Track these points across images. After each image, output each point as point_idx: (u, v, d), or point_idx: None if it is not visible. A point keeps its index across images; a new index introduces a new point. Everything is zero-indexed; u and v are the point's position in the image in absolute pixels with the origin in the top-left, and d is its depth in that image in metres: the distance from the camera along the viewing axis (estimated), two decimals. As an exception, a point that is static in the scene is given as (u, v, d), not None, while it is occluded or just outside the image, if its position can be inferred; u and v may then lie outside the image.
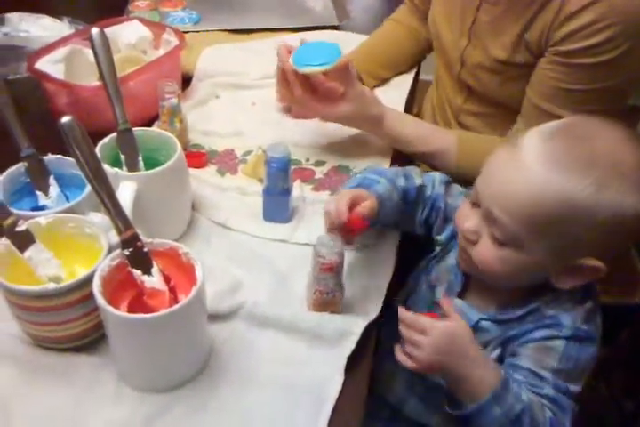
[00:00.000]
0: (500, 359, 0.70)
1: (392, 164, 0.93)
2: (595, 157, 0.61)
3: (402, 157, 0.96)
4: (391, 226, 0.81)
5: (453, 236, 0.78)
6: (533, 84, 0.85)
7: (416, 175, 0.79)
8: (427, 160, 0.94)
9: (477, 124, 0.98)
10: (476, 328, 0.71)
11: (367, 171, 0.79)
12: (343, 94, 0.85)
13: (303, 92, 0.85)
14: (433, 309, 0.76)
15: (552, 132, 0.64)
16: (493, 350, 0.70)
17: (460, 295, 0.75)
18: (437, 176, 0.79)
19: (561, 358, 0.66)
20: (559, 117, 0.82)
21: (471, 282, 0.74)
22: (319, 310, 0.70)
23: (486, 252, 0.66)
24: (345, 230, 0.68)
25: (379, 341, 0.83)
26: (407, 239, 0.83)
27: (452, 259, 0.77)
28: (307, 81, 0.85)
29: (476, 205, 0.68)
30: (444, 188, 0.78)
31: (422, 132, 0.92)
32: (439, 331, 0.63)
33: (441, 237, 0.79)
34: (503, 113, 0.93)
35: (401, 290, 0.85)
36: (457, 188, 0.80)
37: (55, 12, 1.12)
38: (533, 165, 0.62)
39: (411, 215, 0.79)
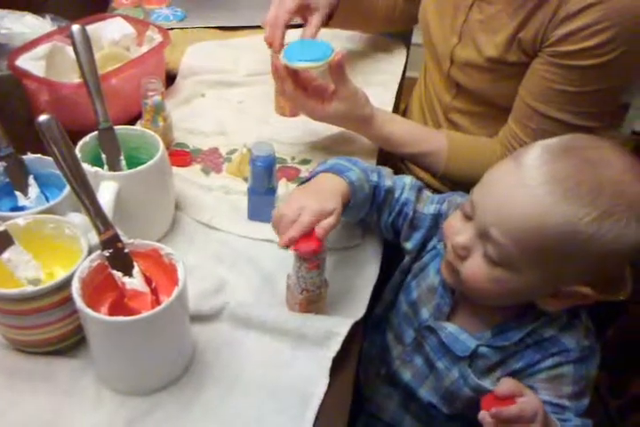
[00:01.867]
0: None
1: (378, 161, 0.93)
2: (601, 184, 0.58)
3: (388, 155, 0.95)
4: (355, 221, 0.78)
5: (423, 245, 0.76)
6: (526, 84, 0.84)
7: (387, 176, 0.76)
8: (415, 160, 0.93)
9: (466, 122, 0.97)
10: (474, 355, 0.70)
11: (339, 158, 0.76)
12: (334, 93, 0.84)
13: (294, 88, 0.84)
14: (419, 336, 0.75)
15: (559, 152, 0.62)
16: (498, 381, 0.67)
17: (448, 317, 0.73)
18: (408, 181, 0.76)
19: (573, 381, 0.66)
20: (551, 118, 0.82)
21: (459, 302, 0.73)
22: (306, 311, 0.69)
23: (477, 270, 0.64)
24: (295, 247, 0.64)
25: (363, 358, 0.81)
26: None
27: (432, 278, 0.74)
28: (297, 77, 0.84)
29: (469, 218, 0.65)
30: (414, 194, 0.75)
31: (412, 134, 0.91)
32: (540, 413, 0.60)
33: (409, 245, 0.76)
34: (493, 112, 0.92)
35: (377, 303, 0.83)
36: (427, 194, 0.77)
37: (38, 10, 1.10)
38: (538, 186, 0.59)
39: (376, 216, 0.76)
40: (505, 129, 0.89)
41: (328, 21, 1.01)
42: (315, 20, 0.95)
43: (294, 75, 0.84)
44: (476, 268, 0.64)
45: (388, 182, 0.75)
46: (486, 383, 0.70)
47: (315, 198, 0.67)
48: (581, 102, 0.81)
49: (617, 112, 0.89)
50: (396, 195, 0.75)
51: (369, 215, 0.76)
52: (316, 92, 0.85)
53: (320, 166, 0.75)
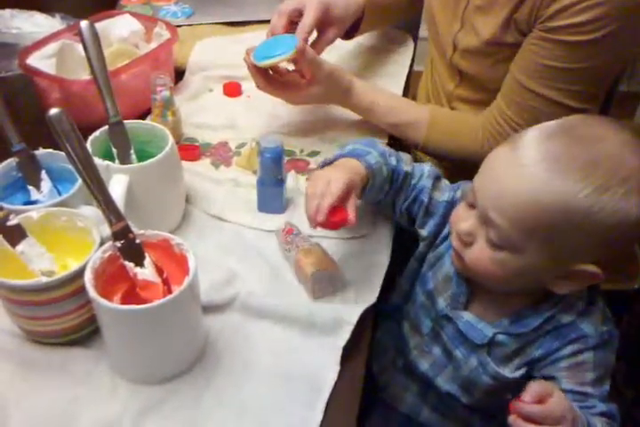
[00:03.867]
0: (528, 378, 0.68)
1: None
2: (595, 158, 0.58)
3: (396, 148, 0.95)
4: (373, 202, 0.79)
5: (438, 233, 0.76)
6: (517, 60, 0.85)
7: (405, 161, 0.77)
8: (397, 132, 0.93)
9: (469, 110, 0.97)
10: (492, 343, 0.70)
11: (357, 142, 0.77)
12: (312, 78, 0.86)
13: (266, 83, 0.88)
14: (437, 318, 0.75)
15: (553, 131, 0.62)
16: (518, 369, 0.69)
17: (465, 306, 0.73)
18: (427, 168, 0.77)
19: (595, 367, 0.66)
20: (538, 95, 0.83)
21: (475, 291, 0.72)
22: (312, 267, 0.69)
23: (481, 254, 0.64)
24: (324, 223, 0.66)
25: (377, 347, 0.81)
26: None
27: (448, 268, 0.74)
28: (268, 73, 0.88)
29: (472, 206, 0.66)
30: (431, 182, 0.75)
31: (394, 103, 0.92)
32: (569, 417, 0.59)
33: (424, 232, 0.77)
34: (494, 99, 0.92)
35: (394, 292, 0.83)
36: (445, 183, 0.78)
37: (47, 9, 1.12)
38: (531, 164, 0.59)
39: (391, 200, 0.78)
40: (492, 105, 0.90)
41: (353, 34, 1.02)
42: (329, 34, 0.94)
43: (265, 72, 0.87)
44: (479, 252, 0.65)
45: (406, 167, 0.76)
46: (505, 371, 0.69)
47: (339, 171, 0.69)
48: (568, 79, 0.81)
49: (625, 101, 0.88)
50: (414, 181, 0.76)
51: (386, 199, 0.77)
52: (291, 82, 0.88)
53: (339, 151, 0.76)
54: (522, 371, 0.69)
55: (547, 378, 0.67)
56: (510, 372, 0.69)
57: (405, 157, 0.78)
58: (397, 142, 0.95)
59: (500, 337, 0.69)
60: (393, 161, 0.75)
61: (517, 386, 0.63)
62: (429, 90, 1.08)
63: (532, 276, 0.64)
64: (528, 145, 0.61)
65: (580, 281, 0.63)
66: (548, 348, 0.67)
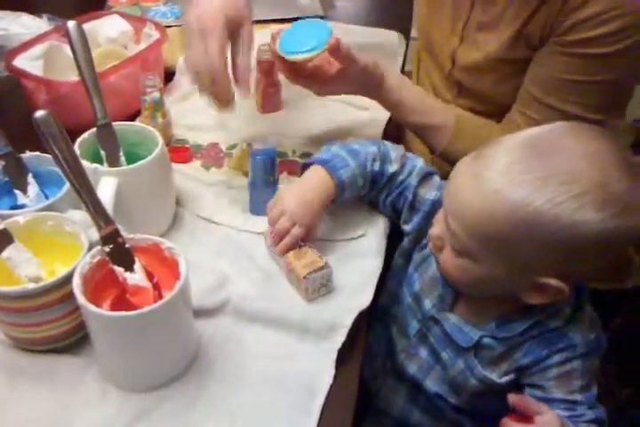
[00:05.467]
0: (516, 385, 0.69)
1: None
2: (549, 172, 0.57)
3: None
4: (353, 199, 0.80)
5: (422, 229, 0.76)
6: (531, 76, 0.83)
7: (395, 160, 0.76)
8: (420, 133, 0.90)
9: None
10: (478, 346, 0.69)
11: (344, 146, 0.77)
12: (343, 71, 0.80)
13: (292, 74, 0.81)
14: (425, 323, 0.75)
15: (517, 142, 0.61)
16: (505, 375, 0.69)
17: (452, 308, 0.73)
18: (419, 165, 0.76)
19: (582, 374, 0.66)
20: (554, 109, 0.81)
21: (461, 293, 0.72)
22: (299, 262, 0.69)
23: (447, 259, 0.66)
24: None
25: (368, 352, 0.80)
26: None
27: (435, 269, 0.74)
28: (294, 64, 0.80)
29: None
30: (417, 180, 0.75)
31: (422, 104, 0.88)
32: None
33: (407, 227, 0.77)
34: (498, 111, 0.90)
35: (381, 292, 0.82)
36: (436, 180, 0.76)
37: (34, 10, 1.10)
38: (485, 175, 0.59)
39: (375, 195, 0.79)
40: (508, 117, 0.88)
41: None
42: (245, 34, 0.78)
43: (292, 63, 0.79)
44: (447, 257, 0.66)
45: (392, 168, 0.76)
46: (493, 376, 0.69)
47: (296, 203, 0.72)
48: (586, 93, 0.79)
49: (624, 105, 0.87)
50: (401, 178, 0.76)
51: (367, 196, 0.79)
52: (319, 75, 0.81)
53: (322, 153, 0.77)
54: (509, 377, 0.69)
55: (535, 387, 0.67)
56: (498, 377, 0.69)
57: (395, 153, 0.77)
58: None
59: (486, 340, 0.69)
60: (376, 166, 0.75)
61: (506, 390, 0.63)
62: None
63: (497, 285, 0.64)
64: (489, 155, 0.61)
65: (548, 294, 0.62)
66: (536, 356, 0.67)
